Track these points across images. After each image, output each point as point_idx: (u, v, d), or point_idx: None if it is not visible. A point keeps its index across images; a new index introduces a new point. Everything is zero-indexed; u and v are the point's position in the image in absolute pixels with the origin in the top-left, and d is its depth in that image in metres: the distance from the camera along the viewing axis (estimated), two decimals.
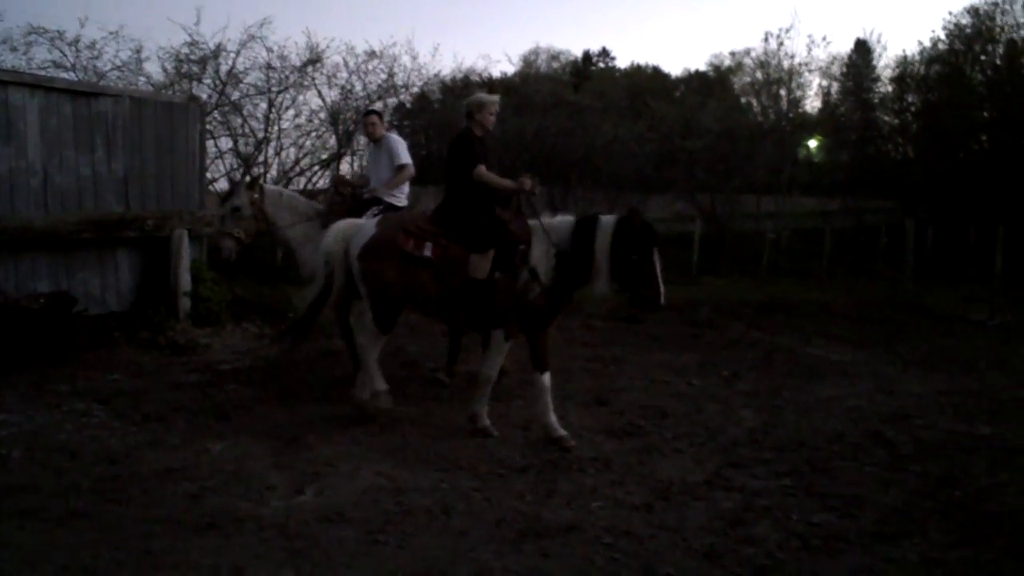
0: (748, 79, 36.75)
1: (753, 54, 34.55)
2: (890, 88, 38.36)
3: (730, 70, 42.91)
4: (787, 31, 40.85)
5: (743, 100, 33.67)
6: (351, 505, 4.62)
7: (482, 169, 5.98)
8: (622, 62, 66.88)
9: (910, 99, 37.24)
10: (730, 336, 10.73)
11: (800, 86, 33.13)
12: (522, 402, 6.95)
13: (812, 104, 38.94)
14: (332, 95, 17.09)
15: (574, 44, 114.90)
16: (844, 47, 60.94)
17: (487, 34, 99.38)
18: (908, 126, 37.50)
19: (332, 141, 17.04)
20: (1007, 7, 33.06)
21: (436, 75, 19.79)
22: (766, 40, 37.54)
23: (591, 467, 5.43)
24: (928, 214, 28.42)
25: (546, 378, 5.90)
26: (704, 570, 3.99)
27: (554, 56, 54.51)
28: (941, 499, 5.07)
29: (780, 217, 25.32)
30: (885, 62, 40.18)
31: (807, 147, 35.74)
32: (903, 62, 37.38)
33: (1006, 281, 14.25)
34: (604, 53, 68.15)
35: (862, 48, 44.25)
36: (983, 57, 34.59)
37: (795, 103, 33.29)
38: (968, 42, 34.49)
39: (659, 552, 4.17)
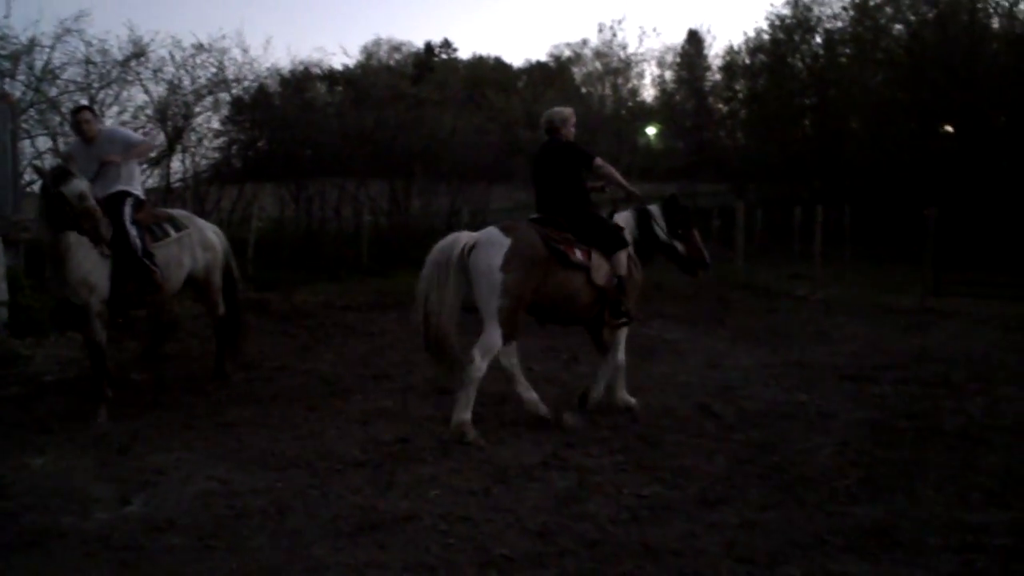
0: (588, 69, 37.68)
1: (592, 44, 35.44)
2: (719, 77, 40.14)
3: (570, 60, 43.74)
4: (620, 22, 42.18)
5: (584, 90, 34.45)
6: (182, 512, 4.50)
7: (600, 160, 6.30)
8: (464, 53, 67.25)
9: (738, 87, 39.07)
10: None
11: (638, 75, 34.23)
12: (361, 397, 6.94)
13: (649, 93, 40.32)
14: (159, 90, 16.50)
15: (416, 35, 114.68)
16: (678, 38, 63.24)
17: (327, 25, 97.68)
18: (737, 113, 39.30)
19: (161, 138, 16.42)
20: None
21: (271, 68, 19.41)
22: (600, 31, 38.62)
23: (430, 456, 5.48)
24: (757, 196, 29.87)
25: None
26: (538, 548, 4.10)
27: (396, 47, 54.17)
28: (761, 464, 5.39)
29: (621, 202, 26.07)
30: (716, 52, 42.02)
31: (646, 134, 36.95)
32: (730, 52, 39.17)
33: (827, 258, 15.18)
34: (446, 44, 68.24)
35: (694, 38, 46.09)
36: (803, 47, 36.52)
37: (633, 92, 34.31)
38: (789, 32, 36.32)
39: (494, 534, 4.26)
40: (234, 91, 18.60)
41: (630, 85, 33.35)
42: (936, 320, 11.75)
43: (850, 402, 6.94)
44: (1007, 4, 29.92)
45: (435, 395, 7.04)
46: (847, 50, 34.75)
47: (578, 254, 6.05)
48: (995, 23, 30.88)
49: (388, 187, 20.77)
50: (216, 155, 19.96)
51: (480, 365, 5.79)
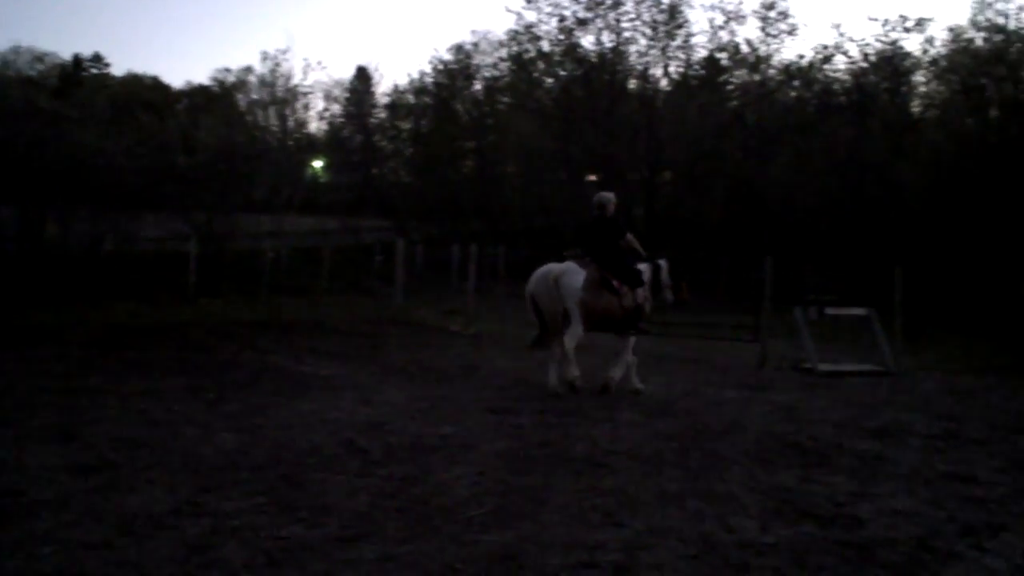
0: (255, 96, 36.85)
1: (257, 72, 34.76)
2: (385, 115, 41.01)
3: (235, 86, 42.57)
4: (284, 52, 41.73)
5: (249, 118, 33.63)
6: None
7: (630, 237, 9.70)
8: (118, 70, 63.23)
9: (403, 126, 40.16)
10: (221, 358, 10.59)
11: (304, 107, 34.01)
12: None
13: (317, 126, 40.22)
14: None
15: (64, 47, 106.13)
16: (346, 73, 63.75)
17: None
18: (402, 151, 40.34)
19: None
20: (485, 47, 36.93)
21: None
22: (265, 59, 37.99)
23: (45, 510, 4.97)
24: (419, 234, 30.78)
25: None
26: None
27: (38, 57, 49.69)
28: (402, 498, 5.45)
29: (280, 236, 25.66)
30: (383, 90, 42.85)
31: (312, 167, 36.80)
32: (396, 91, 40.19)
33: (481, 295, 15.93)
34: (97, 59, 63.66)
35: (363, 75, 46.71)
36: (465, 92, 38.34)
37: (300, 124, 34.01)
38: (452, 77, 37.96)
39: None
40: None
41: (297, 116, 32.99)
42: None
43: (491, 433, 7.26)
44: (641, 68, 33.43)
45: (60, 441, 6.43)
46: (505, 99, 36.98)
47: (615, 284, 9.25)
48: (632, 84, 34.37)
49: (19, 211, 18.84)
50: None
51: (570, 346, 9.12)
